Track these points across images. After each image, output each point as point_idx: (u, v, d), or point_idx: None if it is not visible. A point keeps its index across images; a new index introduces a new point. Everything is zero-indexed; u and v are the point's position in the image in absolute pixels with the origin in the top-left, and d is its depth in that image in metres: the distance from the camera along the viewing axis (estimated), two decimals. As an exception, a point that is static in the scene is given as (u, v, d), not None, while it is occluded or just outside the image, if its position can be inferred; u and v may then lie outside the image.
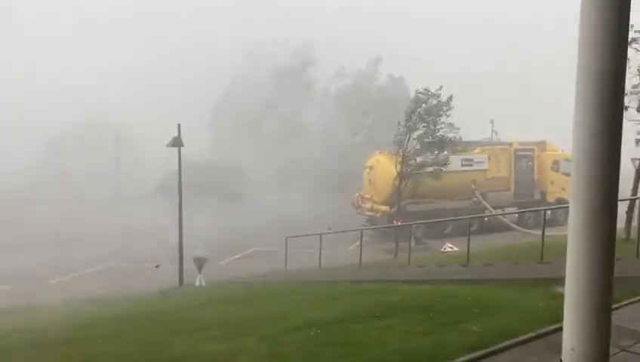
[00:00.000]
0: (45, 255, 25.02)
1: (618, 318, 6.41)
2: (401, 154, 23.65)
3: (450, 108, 23.70)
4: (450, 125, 23.95)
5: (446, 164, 24.47)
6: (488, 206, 29.16)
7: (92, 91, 53.39)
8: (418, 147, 24.02)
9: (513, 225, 27.87)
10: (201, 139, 45.76)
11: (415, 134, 23.96)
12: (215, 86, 51.48)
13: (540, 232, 14.00)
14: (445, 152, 24.76)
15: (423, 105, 23.75)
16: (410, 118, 23.79)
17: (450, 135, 23.98)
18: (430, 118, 23.67)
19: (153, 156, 37.80)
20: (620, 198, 2.25)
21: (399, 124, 24.09)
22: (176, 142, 19.69)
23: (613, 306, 3.05)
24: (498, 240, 22.06)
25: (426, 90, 23.96)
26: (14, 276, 20.93)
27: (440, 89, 23.67)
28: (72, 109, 49.86)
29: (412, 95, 26.15)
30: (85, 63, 57.68)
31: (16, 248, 25.88)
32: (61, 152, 50.06)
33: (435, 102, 23.60)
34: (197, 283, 18.69)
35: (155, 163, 36.07)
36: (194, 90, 51.48)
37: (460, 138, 25.21)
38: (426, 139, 23.89)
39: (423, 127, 23.88)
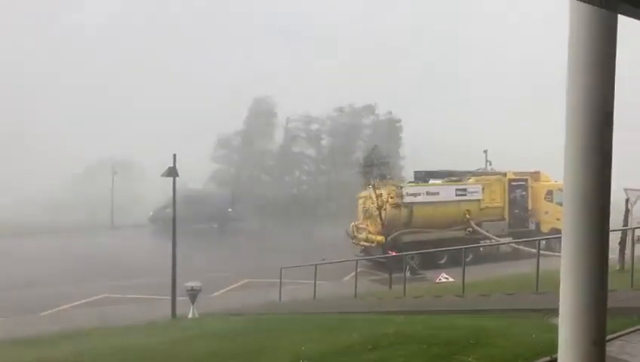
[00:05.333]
0: (41, 286, 24.71)
1: (612, 350, 6.39)
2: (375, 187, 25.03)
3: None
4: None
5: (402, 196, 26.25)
6: (488, 234, 29.08)
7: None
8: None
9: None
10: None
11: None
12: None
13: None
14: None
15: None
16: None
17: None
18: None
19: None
20: (612, 229, 2.26)
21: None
22: (172, 172, 19.67)
23: (608, 337, 3.03)
24: (494, 270, 21.96)
25: None
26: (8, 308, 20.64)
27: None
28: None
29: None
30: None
31: (14, 281, 25.44)
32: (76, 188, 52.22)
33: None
34: (190, 315, 18.37)
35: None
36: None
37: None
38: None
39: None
